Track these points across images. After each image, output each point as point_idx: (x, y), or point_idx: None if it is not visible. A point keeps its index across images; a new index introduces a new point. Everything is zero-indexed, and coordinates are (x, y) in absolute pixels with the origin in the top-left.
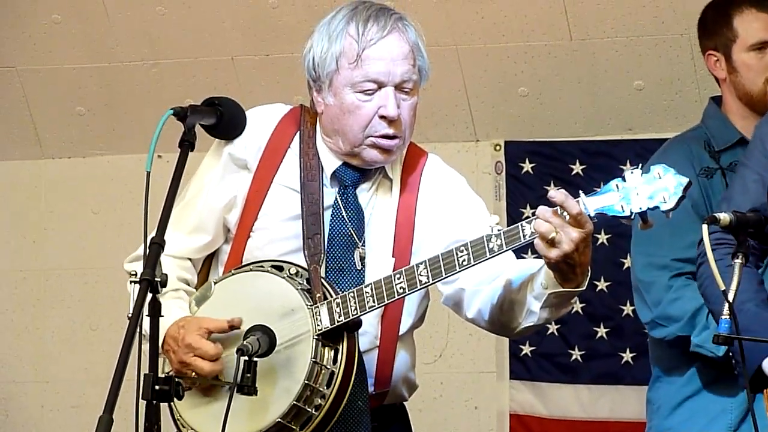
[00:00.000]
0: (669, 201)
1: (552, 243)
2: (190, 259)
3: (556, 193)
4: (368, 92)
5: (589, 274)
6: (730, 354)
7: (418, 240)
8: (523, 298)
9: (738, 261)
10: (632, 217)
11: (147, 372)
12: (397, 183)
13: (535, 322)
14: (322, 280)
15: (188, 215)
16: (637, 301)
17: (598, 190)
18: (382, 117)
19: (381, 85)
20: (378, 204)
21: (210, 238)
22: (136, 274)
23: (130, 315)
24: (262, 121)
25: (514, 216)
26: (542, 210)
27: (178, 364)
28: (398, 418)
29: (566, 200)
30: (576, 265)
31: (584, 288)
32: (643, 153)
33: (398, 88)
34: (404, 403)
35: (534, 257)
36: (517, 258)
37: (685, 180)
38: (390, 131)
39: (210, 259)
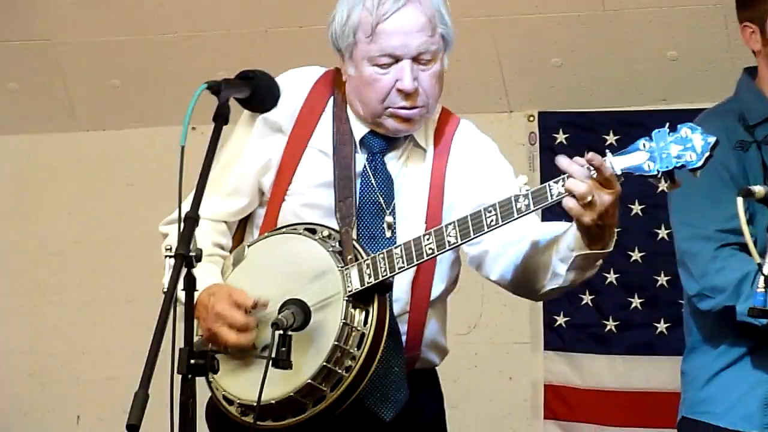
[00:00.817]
0: (696, 159)
1: (588, 204)
2: (225, 222)
3: (593, 156)
4: (385, 65)
5: (615, 235)
6: None
7: (448, 204)
8: (548, 260)
9: None
10: (659, 175)
11: (182, 346)
12: (430, 150)
13: (560, 284)
14: (354, 242)
15: (224, 179)
16: (682, 273)
17: (625, 150)
18: (399, 90)
19: (397, 59)
20: (409, 172)
21: (246, 202)
22: (171, 249)
23: (165, 290)
24: (297, 84)
25: None
26: (578, 171)
27: (207, 331)
28: (429, 383)
29: (603, 163)
30: (606, 227)
31: (611, 250)
32: (678, 122)
33: (416, 59)
34: (436, 368)
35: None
36: (543, 220)
37: (712, 138)
38: (407, 103)
39: (245, 222)
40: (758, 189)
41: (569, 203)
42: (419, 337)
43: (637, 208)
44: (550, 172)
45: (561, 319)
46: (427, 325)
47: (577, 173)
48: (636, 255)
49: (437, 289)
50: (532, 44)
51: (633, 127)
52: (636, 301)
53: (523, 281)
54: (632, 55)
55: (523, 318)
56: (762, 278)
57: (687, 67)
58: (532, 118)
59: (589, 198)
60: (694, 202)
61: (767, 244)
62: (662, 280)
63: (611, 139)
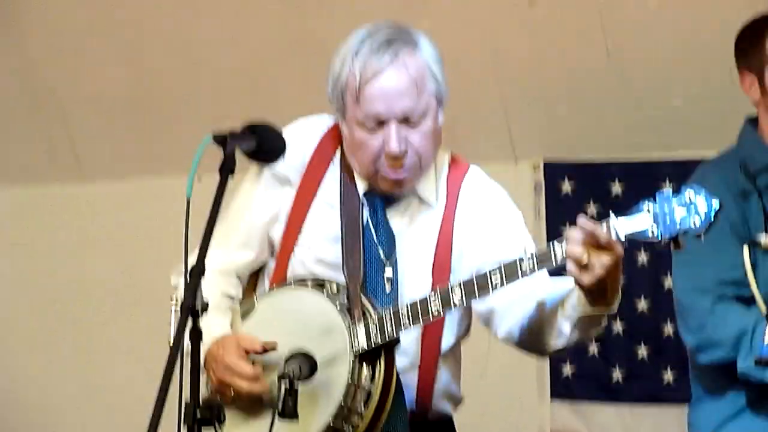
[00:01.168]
0: (701, 225)
1: (585, 267)
2: (236, 275)
3: (584, 223)
4: (372, 129)
5: (620, 295)
6: None
7: (456, 254)
8: (553, 319)
9: None
10: (662, 241)
11: (189, 398)
12: (440, 201)
13: (566, 343)
14: (362, 298)
15: (233, 231)
16: (680, 325)
17: (629, 211)
18: (386, 154)
19: (384, 122)
20: (415, 225)
21: (255, 254)
22: (177, 301)
23: (171, 342)
24: (306, 135)
25: (553, 236)
26: (573, 235)
27: (218, 382)
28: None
29: (595, 229)
30: (607, 288)
31: (615, 309)
32: (682, 172)
33: (404, 121)
34: (452, 417)
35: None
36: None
37: (716, 202)
38: (396, 165)
39: (257, 274)
40: (764, 239)
41: (568, 266)
42: (430, 389)
43: (642, 257)
44: (555, 221)
45: (567, 369)
46: (439, 376)
47: (572, 236)
48: (642, 304)
49: (447, 341)
50: (538, 93)
51: (639, 176)
52: (643, 351)
53: (530, 339)
54: (637, 103)
55: (531, 367)
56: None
57: (692, 115)
58: (537, 168)
59: (585, 261)
60: (695, 252)
61: None
62: (669, 329)
63: (617, 188)
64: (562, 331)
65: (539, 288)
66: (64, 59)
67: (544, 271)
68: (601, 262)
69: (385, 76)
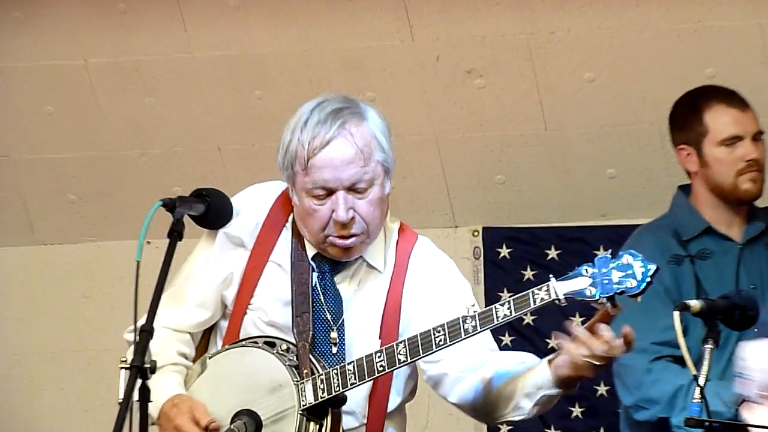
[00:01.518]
0: (636, 286)
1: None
2: (189, 333)
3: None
4: (320, 197)
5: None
6: None
7: (405, 321)
8: (511, 393)
9: (708, 346)
10: (600, 301)
11: None
12: (388, 267)
13: (522, 416)
14: (310, 357)
15: (187, 291)
16: (617, 383)
17: (569, 273)
18: (335, 221)
19: (331, 191)
20: (363, 290)
21: (209, 314)
22: (126, 361)
23: (120, 400)
24: (259, 200)
25: (492, 300)
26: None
27: None
28: None
29: (588, 340)
30: (582, 378)
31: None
32: (616, 238)
33: (351, 189)
34: None
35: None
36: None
37: (653, 266)
38: (344, 233)
39: (209, 332)
40: (694, 303)
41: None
42: None
43: (577, 319)
44: (494, 285)
45: (504, 429)
46: None
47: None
48: None
49: (394, 401)
50: (477, 162)
51: (574, 241)
52: (577, 410)
53: (484, 408)
54: (573, 172)
55: (468, 426)
56: (698, 389)
57: (625, 184)
58: (476, 233)
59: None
60: (630, 314)
61: (702, 356)
62: (602, 390)
63: (553, 253)
64: (521, 406)
65: (495, 359)
66: (19, 127)
67: (493, 343)
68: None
69: (332, 146)
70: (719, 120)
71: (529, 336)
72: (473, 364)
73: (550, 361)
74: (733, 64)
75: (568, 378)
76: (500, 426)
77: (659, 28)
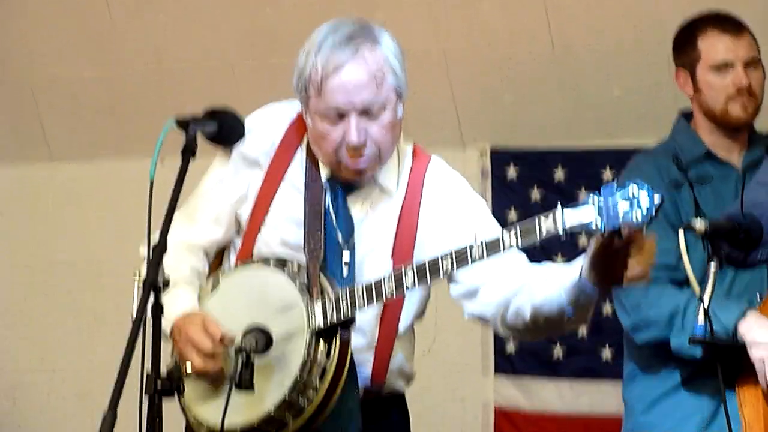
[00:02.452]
0: (642, 219)
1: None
2: (203, 249)
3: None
4: (333, 120)
5: None
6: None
7: (420, 242)
8: (559, 311)
9: (713, 265)
10: (605, 233)
11: (149, 369)
12: (401, 189)
13: (570, 325)
14: (321, 278)
15: (202, 208)
16: (617, 305)
17: (576, 203)
18: (347, 144)
19: (344, 114)
20: (375, 212)
21: (223, 231)
22: (138, 276)
23: (133, 315)
24: (276, 120)
25: (500, 220)
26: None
27: (178, 352)
28: (396, 406)
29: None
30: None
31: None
32: (622, 159)
33: (363, 113)
34: (404, 392)
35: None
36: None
37: (658, 197)
38: (356, 156)
39: (223, 249)
40: (699, 224)
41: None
42: (385, 367)
43: (584, 239)
44: (501, 205)
45: (511, 345)
46: (394, 355)
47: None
48: None
49: (404, 323)
50: (485, 83)
51: (581, 162)
52: (582, 329)
53: (541, 332)
54: (579, 93)
55: (475, 344)
56: (702, 310)
57: (632, 104)
58: (484, 153)
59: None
60: None
61: (706, 277)
62: (607, 309)
63: (560, 173)
64: (567, 312)
65: (531, 279)
66: (35, 47)
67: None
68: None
69: (346, 71)
70: (711, 45)
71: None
72: (510, 292)
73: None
74: None
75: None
76: (507, 344)
77: None
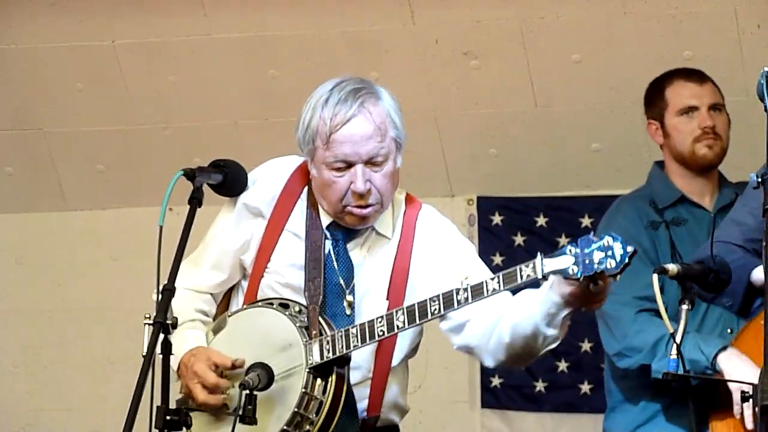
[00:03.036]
0: (615, 266)
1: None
2: (211, 293)
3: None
4: (340, 169)
5: None
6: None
7: (412, 285)
8: (536, 329)
9: (685, 306)
10: (581, 279)
11: (159, 404)
12: (395, 235)
13: (552, 344)
14: (319, 319)
15: (206, 255)
16: (604, 334)
17: (555, 253)
18: (353, 191)
19: (350, 164)
20: (372, 257)
21: (225, 276)
22: (150, 317)
23: (144, 354)
24: (277, 173)
25: (486, 263)
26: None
27: (186, 388)
28: None
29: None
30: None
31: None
32: (600, 207)
33: (368, 163)
34: (398, 424)
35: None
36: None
37: (631, 248)
38: (362, 203)
39: (230, 292)
40: (671, 267)
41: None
42: (380, 399)
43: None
44: (487, 250)
45: (496, 381)
46: (389, 388)
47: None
48: None
49: (397, 358)
50: (473, 136)
51: (561, 210)
52: (563, 365)
53: (519, 354)
54: (561, 146)
55: (463, 379)
56: (674, 346)
57: (609, 157)
58: (471, 202)
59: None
60: None
61: (678, 314)
62: (586, 346)
63: (542, 221)
64: (547, 335)
65: (508, 308)
66: (53, 102)
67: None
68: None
69: (353, 123)
70: (677, 93)
71: None
72: (491, 322)
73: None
74: (709, 47)
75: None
76: (492, 379)
77: (641, 15)
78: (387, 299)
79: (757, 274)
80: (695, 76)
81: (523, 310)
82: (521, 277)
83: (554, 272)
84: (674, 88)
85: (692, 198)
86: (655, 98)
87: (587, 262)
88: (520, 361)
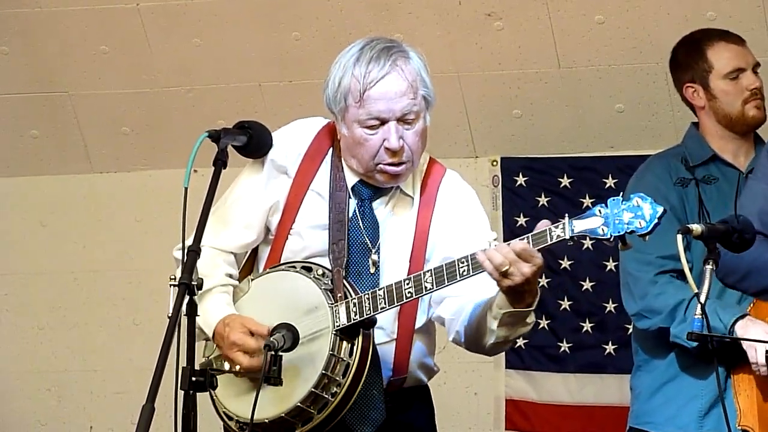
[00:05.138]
0: (645, 227)
1: (504, 274)
2: (234, 254)
3: (516, 244)
4: (373, 127)
5: (538, 295)
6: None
7: (431, 248)
8: (484, 319)
9: (709, 267)
10: (611, 239)
11: (185, 365)
12: (417, 196)
13: (494, 340)
14: (344, 282)
15: (234, 214)
16: (624, 293)
17: (583, 213)
18: (387, 149)
19: (384, 121)
20: (396, 216)
21: (254, 236)
22: (175, 278)
23: (169, 315)
24: (302, 133)
25: (509, 224)
26: (500, 247)
27: (225, 357)
28: (420, 398)
29: (524, 248)
30: (525, 292)
31: (534, 308)
32: (623, 168)
33: (400, 120)
34: (428, 384)
35: None
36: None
37: (660, 208)
38: (394, 160)
39: (253, 255)
40: (695, 227)
41: (488, 269)
42: (406, 360)
43: (588, 242)
44: (511, 211)
45: (521, 341)
46: (415, 349)
47: (498, 248)
48: (587, 284)
49: (420, 319)
50: (496, 97)
51: (585, 170)
52: (587, 325)
53: (472, 340)
54: (584, 107)
55: None
56: (699, 305)
57: (632, 118)
58: (495, 163)
59: (504, 269)
60: None
61: (702, 273)
62: (610, 306)
63: (565, 181)
64: (491, 329)
65: (476, 294)
66: (77, 65)
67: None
68: (521, 270)
69: (387, 80)
70: (722, 55)
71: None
72: (460, 305)
73: None
74: (732, 7)
75: (509, 289)
76: (517, 340)
77: None
78: (409, 260)
79: None
80: (734, 37)
81: (485, 296)
82: (551, 238)
83: (584, 233)
84: (718, 51)
85: (725, 157)
86: (694, 61)
87: (617, 222)
88: (475, 348)
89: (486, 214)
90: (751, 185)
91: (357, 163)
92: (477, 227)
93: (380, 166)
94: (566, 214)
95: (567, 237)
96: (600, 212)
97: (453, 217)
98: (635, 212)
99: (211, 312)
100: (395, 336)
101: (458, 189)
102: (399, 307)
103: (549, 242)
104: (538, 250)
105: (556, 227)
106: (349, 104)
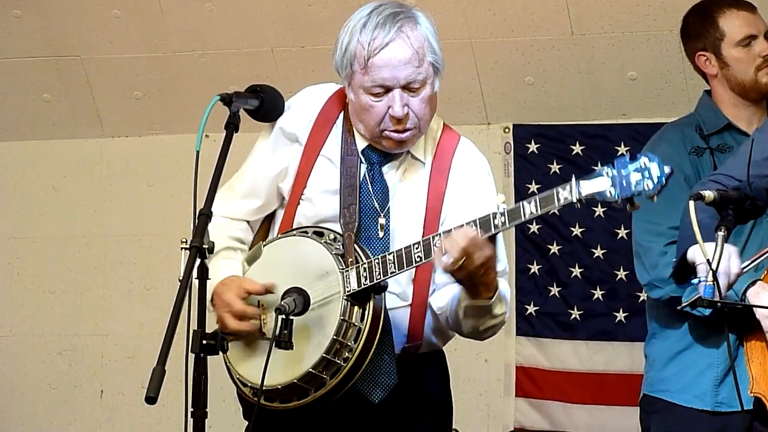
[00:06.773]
0: (653, 188)
1: (456, 267)
2: (246, 220)
3: (467, 231)
4: (378, 94)
5: (495, 290)
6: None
7: (445, 213)
8: (456, 312)
9: (721, 233)
10: (618, 201)
11: (195, 328)
12: (429, 162)
13: (467, 330)
14: (355, 246)
15: (242, 182)
16: (636, 263)
17: (591, 175)
18: (391, 116)
19: (388, 88)
20: (407, 181)
21: (261, 203)
22: (186, 242)
23: (181, 278)
24: (313, 99)
25: (521, 191)
26: (454, 237)
27: (218, 317)
28: (435, 362)
29: (474, 237)
30: (478, 284)
31: (492, 301)
32: (635, 136)
33: (406, 87)
34: (441, 349)
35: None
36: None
37: (668, 168)
38: (399, 127)
39: (268, 221)
40: (708, 194)
41: (445, 262)
42: (421, 325)
43: (599, 210)
44: (522, 177)
45: (531, 308)
46: (428, 315)
47: (453, 238)
48: (598, 252)
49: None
50: (508, 64)
51: (597, 138)
52: (598, 293)
53: (456, 329)
54: (596, 74)
55: None
56: (710, 272)
57: (645, 86)
58: (507, 130)
59: (460, 263)
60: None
61: (716, 242)
62: (621, 274)
63: (577, 149)
64: (461, 320)
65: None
66: (89, 29)
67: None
68: (472, 261)
69: (391, 48)
70: (733, 23)
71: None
72: (450, 298)
73: None
74: None
75: (462, 281)
76: (528, 307)
77: None
78: (423, 224)
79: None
80: (745, 4)
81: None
82: (558, 200)
83: (592, 194)
84: (729, 18)
85: (739, 125)
86: (705, 29)
87: (624, 183)
88: (462, 335)
89: (497, 180)
90: (759, 138)
91: (363, 128)
92: (489, 198)
93: (386, 132)
94: (573, 175)
95: (574, 200)
96: (607, 173)
97: (467, 187)
98: (643, 173)
99: (214, 275)
100: (410, 300)
101: (473, 158)
102: (414, 273)
103: (556, 204)
104: (543, 214)
105: (564, 188)
106: (354, 70)
